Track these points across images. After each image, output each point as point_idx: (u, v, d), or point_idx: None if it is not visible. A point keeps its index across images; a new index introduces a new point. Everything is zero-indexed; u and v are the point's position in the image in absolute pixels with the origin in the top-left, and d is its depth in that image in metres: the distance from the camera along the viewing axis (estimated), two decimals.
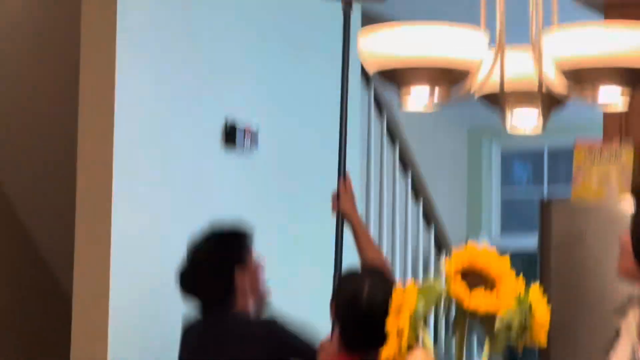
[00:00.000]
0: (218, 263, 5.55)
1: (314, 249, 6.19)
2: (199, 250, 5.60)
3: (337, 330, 5.47)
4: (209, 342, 5.51)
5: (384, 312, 3.11)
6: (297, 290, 6.13)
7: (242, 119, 6.67)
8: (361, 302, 4.93)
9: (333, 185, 5.87)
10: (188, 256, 5.60)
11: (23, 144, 7.08)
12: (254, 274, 5.59)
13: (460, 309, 3.12)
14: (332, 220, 5.88)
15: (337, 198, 5.77)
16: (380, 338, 3.23)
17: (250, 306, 5.55)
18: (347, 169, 5.88)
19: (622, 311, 4.20)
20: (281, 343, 5.49)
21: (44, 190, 7.09)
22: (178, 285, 5.59)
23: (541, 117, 3.84)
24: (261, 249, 5.85)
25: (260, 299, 5.60)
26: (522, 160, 10.48)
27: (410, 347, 3.14)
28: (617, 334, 4.17)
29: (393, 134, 7.86)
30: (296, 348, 5.51)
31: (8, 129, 7.07)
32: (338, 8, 6.98)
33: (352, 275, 5.32)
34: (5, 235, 7.33)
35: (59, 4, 6.45)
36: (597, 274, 5.15)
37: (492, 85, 3.71)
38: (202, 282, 5.56)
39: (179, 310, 5.65)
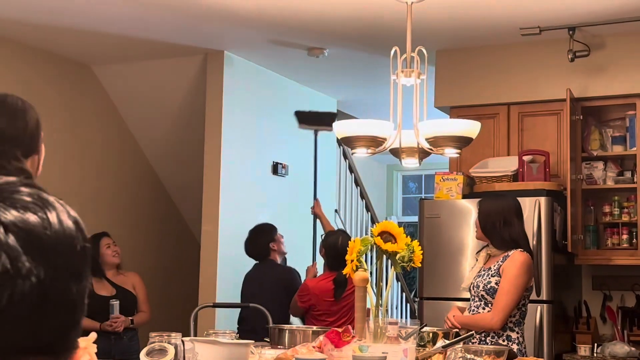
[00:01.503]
0: (261, 239, 5.44)
1: (310, 225, 6.19)
2: (252, 235, 5.48)
3: (318, 263, 5.48)
4: (258, 275, 5.35)
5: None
6: (297, 243, 6.12)
7: (281, 159, 6.42)
8: (338, 245, 4.97)
9: (321, 194, 5.99)
10: (248, 237, 5.49)
11: (176, 161, 6.76)
12: (278, 243, 5.41)
13: (379, 250, 3.16)
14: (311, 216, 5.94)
15: (313, 208, 5.93)
16: (344, 264, 3.26)
17: (278, 259, 5.43)
18: (317, 196, 5.94)
19: (479, 251, 4.01)
20: (293, 280, 5.37)
21: (186, 184, 6.98)
22: (244, 250, 5.49)
23: (418, 160, 3.91)
24: (287, 226, 5.79)
25: (282, 255, 5.55)
26: (413, 180, 10.46)
27: (357, 269, 3.22)
28: (476, 260, 4.00)
29: (352, 169, 7.90)
30: (294, 288, 5.34)
31: (170, 153, 6.95)
32: (328, 105, 7.05)
33: (332, 233, 5.30)
34: (163, 211, 7.05)
35: (197, 97, 6.41)
36: (444, 233, 5.14)
37: (396, 146, 3.78)
38: (254, 248, 5.46)
39: (244, 259, 5.50)
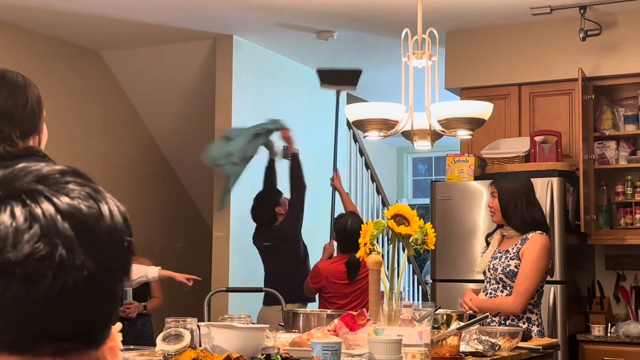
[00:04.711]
0: (266, 204, 5.46)
1: (321, 209, 6.18)
2: (257, 201, 5.52)
3: (334, 242, 5.54)
4: (266, 238, 5.41)
5: (358, 233, 3.13)
6: (314, 221, 6.10)
7: None
8: (347, 227, 4.98)
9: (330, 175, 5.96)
10: (253, 203, 5.50)
11: (186, 146, 6.76)
12: (284, 206, 5.44)
13: (393, 233, 3.15)
14: (331, 195, 5.92)
15: (332, 180, 5.87)
16: (356, 246, 3.26)
17: (281, 221, 5.48)
18: (338, 168, 5.90)
19: (491, 234, 3.99)
20: (293, 222, 5.43)
21: (197, 168, 6.94)
22: (251, 216, 5.53)
23: (430, 143, 3.89)
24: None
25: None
26: (422, 162, 10.43)
27: (370, 252, 3.22)
28: (487, 244, 3.98)
29: (362, 152, 7.88)
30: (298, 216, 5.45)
31: (180, 139, 6.96)
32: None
33: (342, 215, 5.26)
34: (174, 197, 7.03)
35: (207, 82, 6.41)
36: (456, 215, 5.15)
37: (408, 128, 3.77)
38: (260, 214, 5.47)
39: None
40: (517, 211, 3.84)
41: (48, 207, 0.76)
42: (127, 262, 0.81)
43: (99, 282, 0.77)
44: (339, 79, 5.83)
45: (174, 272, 4.26)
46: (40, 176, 0.79)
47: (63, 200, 0.77)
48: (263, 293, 5.24)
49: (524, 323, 3.76)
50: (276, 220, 5.46)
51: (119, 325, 0.90)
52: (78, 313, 0.77)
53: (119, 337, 0.87)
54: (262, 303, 5.30)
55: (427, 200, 5.54)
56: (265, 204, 5.50)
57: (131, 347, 2.81)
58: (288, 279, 5.22)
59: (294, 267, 5.35)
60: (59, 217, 0.76)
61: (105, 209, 0.80)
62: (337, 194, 5.81)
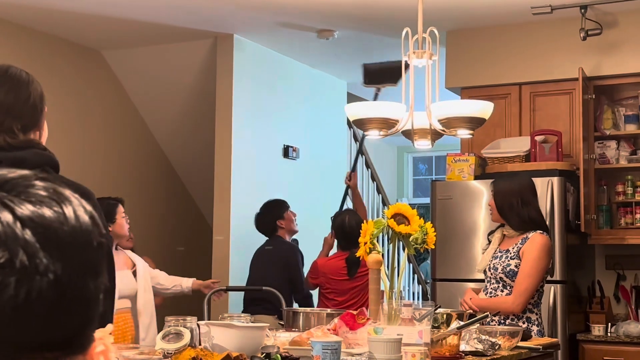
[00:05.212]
0: (268, 216, 5.45)
1: (322, 208, 6.19)
2: (261, 210, 5.50)
3: (334, 239, 5.51)
4: (266, 251, 5.35)
5: (356, 229, 3.14)
6: (317, 223, 6.11)
7: (291, 142, 6.38)
8: (346, 224, 5.01)
9: (333, 177, 5.96)
10: (258, 211, 5.49)
11: (187, 145, 6.73)
12: (288, 221, 5.41)
13: (393, 232, 3.15)
14: (332, 194, 5.93)
15: (349, 179, 5.86)
16: (355, 243, 3.27)
17: (286, 236, 5.42)
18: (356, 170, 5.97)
19: (492, 232, 3.98)
20: (295, 259, 5.32)
21: (197, 167, 6.95)
22: (255, 225, 5.51)
23: (430, 142, 3.88)
24: (299, 209, 5.72)
25: (292, 232, 5.49)
26: (423, 162, 10.41)
27: (370, 251, 3.22)
28: (488, 242, 3.99)
29: (362, 151, 7.87)
30: (296, 271, 5.31)
31: (181, 138, 6.89)
32: (338, 88, 7.02)
33: (339, 213, 5.33)
34: (174, 195, 7.02)
35: (207, 81, 6.41)
36: (457, 214, 5.14)
37: (408, 127, 3.77)
38: (262, 224, 5.47)
39: (256, 242, 5.51)
40: (513, 210, 3.85)
41: (5, 215, 0.74)
42: (97, 262, 0.79)
43: (68, 286, 0.74)
44: (382, 76, 5.75)
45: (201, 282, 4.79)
46: (2, 182, 0.77)
47: (23, 206, 0.75)
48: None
49: (523, 322, 3.76)
50: (276, 232, 5.43)
51: (109, 327, 0.89)
52: (50, 320, 0.74)
53: (109, 339, 0.85)
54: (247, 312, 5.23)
55: (427, 200, 5.53)
56: (268, 215, 5.48)
57: (130, 345, 2.81)
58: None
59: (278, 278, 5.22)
60: (18, 223, 0.73)
61: (69, 211, 0.77)
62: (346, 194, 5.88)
